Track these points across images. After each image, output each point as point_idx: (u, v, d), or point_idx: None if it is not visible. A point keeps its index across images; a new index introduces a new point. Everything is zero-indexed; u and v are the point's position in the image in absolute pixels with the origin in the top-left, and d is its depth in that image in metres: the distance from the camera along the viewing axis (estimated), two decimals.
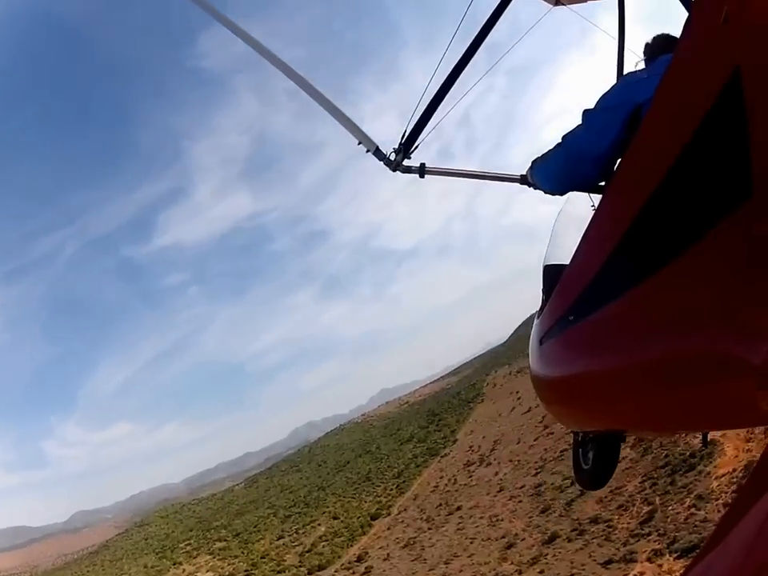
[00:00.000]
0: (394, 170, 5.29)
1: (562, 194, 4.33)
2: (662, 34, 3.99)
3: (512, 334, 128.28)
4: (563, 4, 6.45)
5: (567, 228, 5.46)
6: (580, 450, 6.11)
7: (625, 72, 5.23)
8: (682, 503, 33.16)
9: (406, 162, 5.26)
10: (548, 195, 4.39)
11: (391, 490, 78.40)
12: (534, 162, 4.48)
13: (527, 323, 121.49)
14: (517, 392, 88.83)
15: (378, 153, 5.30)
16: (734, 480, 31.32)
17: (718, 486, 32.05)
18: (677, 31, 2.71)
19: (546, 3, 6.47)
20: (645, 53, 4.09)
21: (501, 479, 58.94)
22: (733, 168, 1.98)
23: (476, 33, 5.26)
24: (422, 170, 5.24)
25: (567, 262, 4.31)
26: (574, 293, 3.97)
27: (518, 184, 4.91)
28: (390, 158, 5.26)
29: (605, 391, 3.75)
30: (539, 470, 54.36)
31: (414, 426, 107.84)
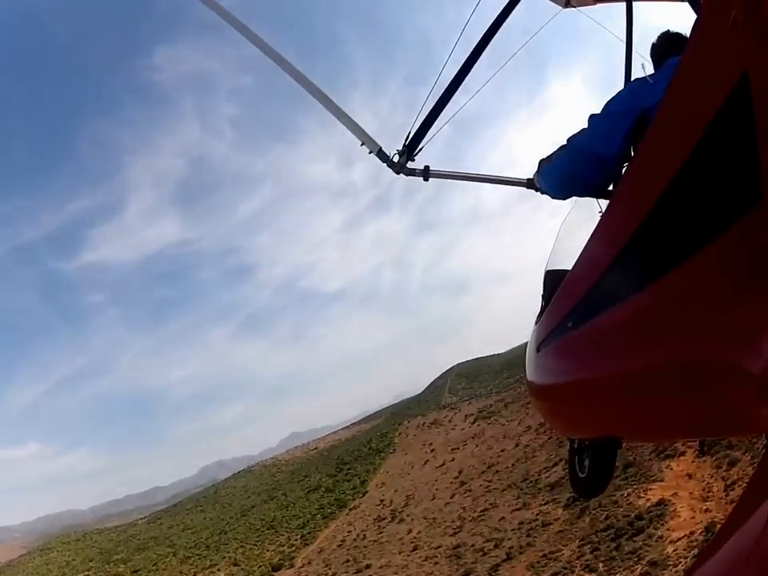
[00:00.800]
0: (398, 173, 5.32)
1: (565, 198, 4.34)
2: (667, 32, 4.00)
3: (428, 386, 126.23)
4: (573, 6, 6.48)
5: (571, 234, 5.43)
6: (576, 457, 6.16)
7: (633, 77, 4.95)
8: (631, 570, 30.39)
9: (409, 165, 5.30)
10: (555, 200, 4.40)
11: (295, 540, 74.28)
12: (539, 164, 4.44)
13: (443, 376, 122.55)
14: (430, 444, 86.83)
15: (381, 154, 5.31)
16: (694, 544, 28.47)
17: (675, 551, 29.29)
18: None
19: (555, 5, 6.50)
20: (651, 54, 4.11)
21: (415, 537, 55.47)
22: (741, 173, 1.94)
23: (483, 33, 5.24)
24: (426, 173, 5.35)
25: (569, 268, 4.31)
26: (574, 299, 3.95)
27: (525, 188, 5.17)
28: (394, 159, 5.27)
29: (603, 398, 3.80)
30: (457, 530, 51.31)
31: (323, 474, 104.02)
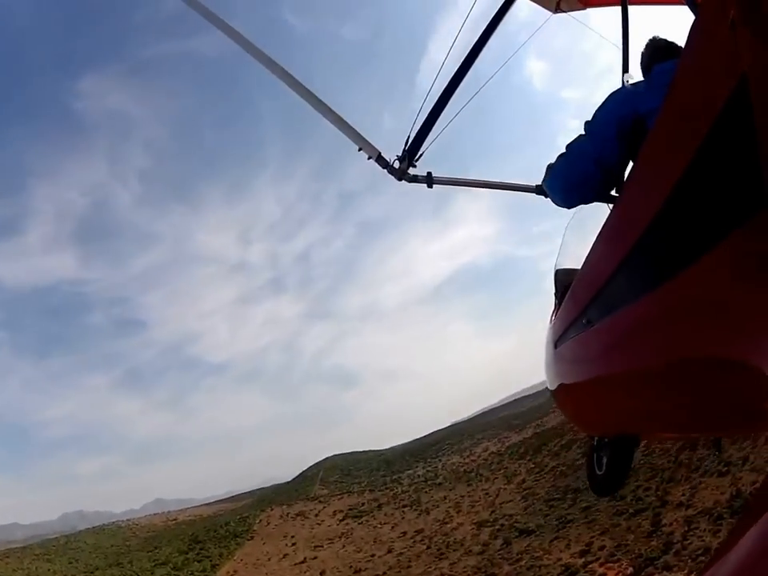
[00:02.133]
0: (400, 179, 5.16)
1: (569, 206, 4.25)
2: (654, 39, 3.93)
3: (299, 474, 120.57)
4: (563, 11, 6.52)
5: (578, 231, 5.52)
6: (595, 455, 6.15)
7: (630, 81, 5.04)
8: None
9: (411, 171, 5.15)
10: (563, 209, 4.31)
11: None
12: (546, 170, 4.30)
13: (317, 466, 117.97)
14: (292, 536, 79.76)
15: (380, 160, 5.13)
16: None
17: None
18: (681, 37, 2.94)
19: (546, 10, 6.54)
20: (641, 62, 4.02)
21: None
22: (743, 175, 1.98)
23: (479, 34, 5.13)
24: (429, 180, 5.19)
25: (579, 267, 4.33)
26: (589, 296, 3.93)
27: (534, 194, 5.24)
28: (394, 165, 5.10)
29: (620, 394, 3.87)
30: None
31: (174, 549, 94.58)
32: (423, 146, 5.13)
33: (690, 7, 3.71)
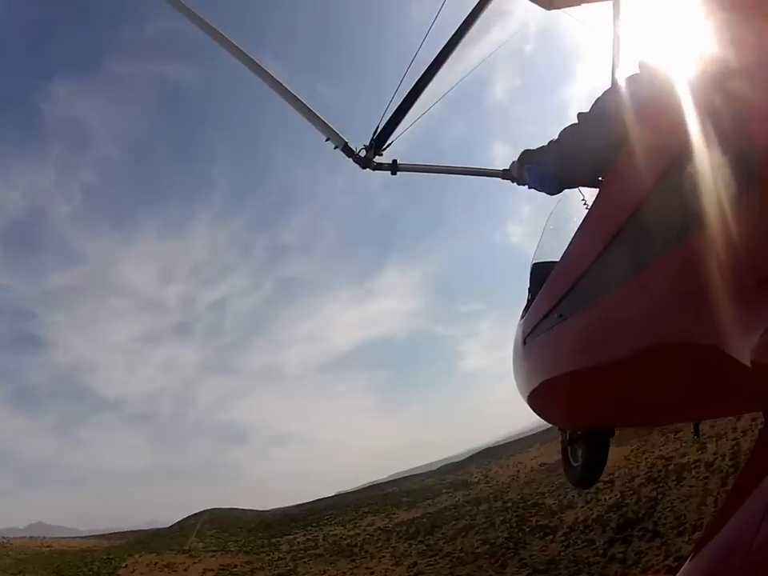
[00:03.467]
0: (365, 167, 5.09)
1: (555, 192, 4.33)
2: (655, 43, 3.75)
3: (177, 522, 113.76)
4: (557, 7, 6.28)
5: (558, 227, 5.44)
6: (569, 447, 6.11)
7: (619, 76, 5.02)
8: None
9: (377, 160, 5.06)
10: (541, 193, 4.35)
11: None
12: (524, 157, 4.41)
13: (196, 517, 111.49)
14: None
15: (346, 149, 5.07)
16: None
17: None
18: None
19: (539, 7, 6.29)
20: (639, 61, 3.66)
21: None
22: (730, 165, 1.98)
23: (455, 29, 5.05)
24: (394, 167, 5.11)
25: (555, 260, 4.32)
26: (562, 290, 3.93)
27: (500, 179, 5.00)
28: (360, 154, 5.03)
29: (592, 387, 3.80)
30: None
31: None
32: (392, 135, 5.04)
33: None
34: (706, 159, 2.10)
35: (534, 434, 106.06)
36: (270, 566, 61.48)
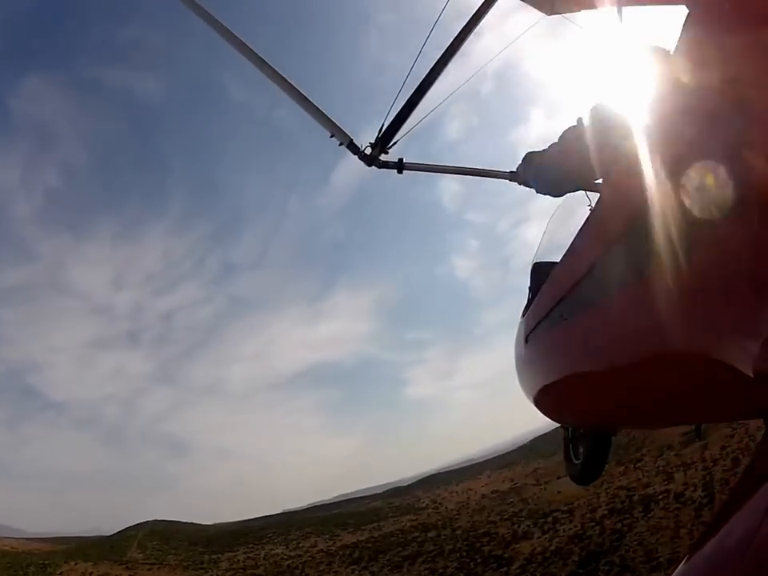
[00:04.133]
0: (370, 165, 5.10)
1: (555, 195, 4.37)
2: (651, 46, 3.77)
3: (119, 531, 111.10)
4: (558, 13, 6.34)
5: (560, 227, 5.55)
6: (571, 444, 6.30)
7: None
8: None
9: (382, 158, 5.07)
10: (543, 195, 4.40)
11: None
12: (527, 159, 4.41)
13: (137, 528, 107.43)
14: None
15: (351, 146, 5.08)
16: None
17: None
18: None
19: (539, 12, 6.34)
20: (634, 65, 3.96)
21: None
22: (730, 169, 1.94)
23: (460, 29, 5.03)
24: (400, 166, 5.15)
25: (557, 261, 4.39)
26: (563, 290, 3.95)
27: (507, 180, 5.09)
28: (366, 152, 5.03)
29: (594, 388, 3.86)
30: None
31: None
32: (398, 134, 5.00)
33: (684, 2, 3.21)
34: (707, 161, 2.03)
35: (483, 461, 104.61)
36: None
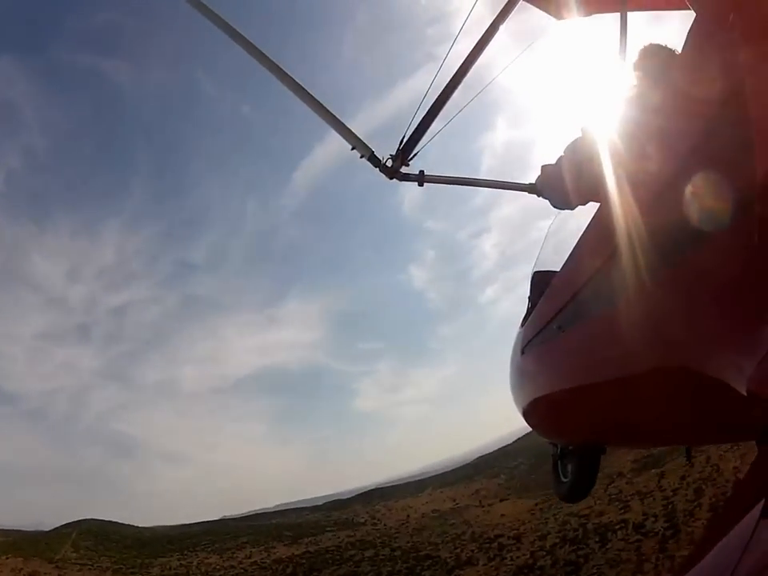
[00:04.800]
0: (391, 178, 4.99)
1: (569, 207, 4.27)
2: (654, 45, 3.92)
3: (55, 528, 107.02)
4: (567, 18, 6.28)
5: (559, 236, 5.49)
6: (559, 462, 5.98)
7: None
8: None
9: (403, 170, 4.96)
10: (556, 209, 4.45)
11: None
12: (541, 171, 4.40)
13: (73, 525, 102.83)
14: None
15: (372, 159, 4.93)
16: None
17: None
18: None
19: (550, 17, 6.31)
20: (636, 66, 3.90)
21: None
22: (735, 175, 1.93)
23: (479, 36, 4.88)
24: (421, 178, 5.01)
25: (557, 269, 4.29)
26: (561, 302, 3.89)
27: (527, 193, 4.83)
28: (387, 164, 4.91)
29: (588, 404, 3.70)
30: None
31: None
32: (418, 145, 4.86)
33: (691, 5, 3.02)
34: (708, 172, 2.01)
35: (425, 478, 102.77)
36: None
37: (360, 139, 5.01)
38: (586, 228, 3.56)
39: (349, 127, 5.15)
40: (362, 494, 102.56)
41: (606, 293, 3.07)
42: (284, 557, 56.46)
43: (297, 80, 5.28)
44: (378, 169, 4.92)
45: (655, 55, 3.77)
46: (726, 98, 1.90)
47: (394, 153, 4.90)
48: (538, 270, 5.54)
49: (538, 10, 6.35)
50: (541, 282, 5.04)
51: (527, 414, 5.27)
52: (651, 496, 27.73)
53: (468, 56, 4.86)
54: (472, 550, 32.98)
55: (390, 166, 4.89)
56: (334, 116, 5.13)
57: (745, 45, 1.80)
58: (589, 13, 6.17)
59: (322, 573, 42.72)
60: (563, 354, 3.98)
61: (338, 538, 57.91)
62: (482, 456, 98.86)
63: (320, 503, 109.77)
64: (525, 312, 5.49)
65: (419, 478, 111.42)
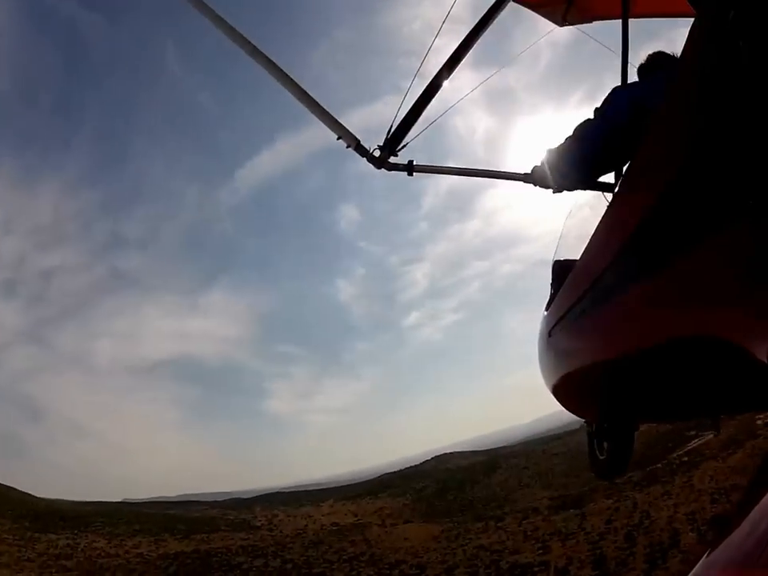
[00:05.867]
0: (379, 168, 4.88)
1: (569, 188, 4.24)
2: (658, 52, 4.04)
3: None
4: (569, 24, 6.33)
5: (577, 225, 5.54)
6: (594, 440, 6.07)
7: None
8: None
9: (392, 160, 4.88)
10: (556, 194, 4.29)
11: None
12: (544, 153, 4.27)
13: None
14: None
15: (359, 149, 4.83)
16: None
17: None
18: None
19: (551, 23, 6.33)
20: (639, 72, 4.18)
21: None
22: (740, 168, 1.95)
23: (472, 26, 4.95)
24: (410, 168, 4.90)
25: (576, 258, 4.31)
26: (584, 286, 3.91)
27: (522, 182, 4.71)
28: (375, 154, 4.83)
29: (616, 380, 3.77)
30: None
31: None
32: (407, 136, 4.81)
33: (691, 3, 3.10)
34: (726, 155, 2.00)
35: (328, 488, 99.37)
36: (16, 564, 50.49)
37: (346, 128, 4.87)
38: (603, 216, 3.50)
39: (335, 116, 4.96)
40: (264, 495, 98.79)
41: (626, 276, 3.00)
42: (171, 552, 51.51)
43: (280, 66, 5.03)
44: (365, 158, 4.80)
45: (659, 60, 3.93)
46: (727, 99, 1.90)
47: (381, 143, 4.78)
48: (557, 259, 5.56)
49: (538, 15, 6.28)
50: (561, 269, 5.07)
51: (559, 394, 5.26)
52: (573, 538, 25.02)
53: (459, 45, 4.82)
54: (369, 575, 29.54)
55: (377, 156, 4.78)
56: (319, 105, 4.96)
57: (744, 46, 1.77)
58: (590, 19, 6.24)
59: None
60: (590, 333, 3.94)
61: (231, 539, 53.72)
62: (387, 473, 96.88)
63: (221, 499, 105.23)
64: (548, 298, 5.50)
65: (323, 487, 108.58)
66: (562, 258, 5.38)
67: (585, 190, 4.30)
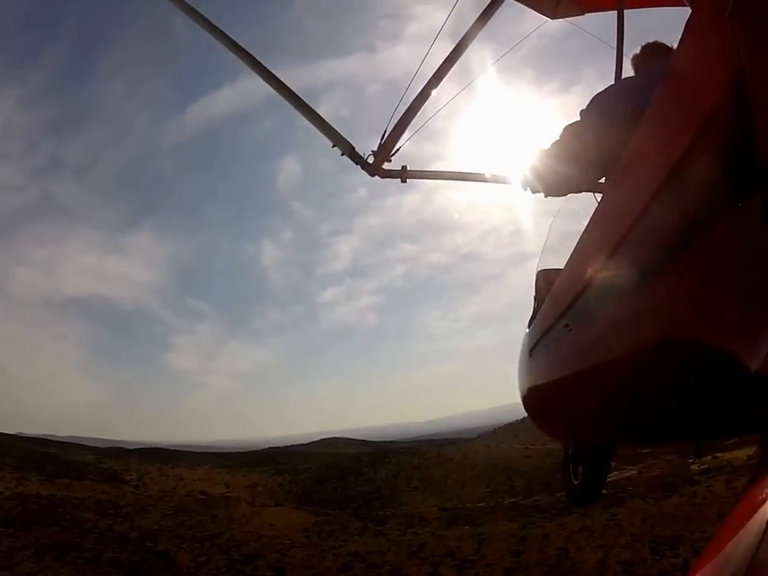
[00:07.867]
0: (373, 175, 4.77)
1: (558, 194, 3.81)
2: (653, 43, 3.66)
3: None
4: (561, 17, 5.93)
5: (562, 232, 5.14)
6: (570, 464, 5.55)
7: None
8: None
9: (385, 166, 4.78)
10: (547, 198, 3.86)
11: None
12: (532, 158, 3.86)
13: None
14: None
15: (354, 156, 4.77)
16: None
17: None
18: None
19: (542, 16, 5.93)
20: (634, 62, 3.70)
21: None
22: (736, 167, 1.81)
23: (462, 35, 4.70)
24: (403, 174, 4.81)
25: (561, 267, 3.97)
26: (567, 300, 3.50)
27: (514, 187, 4.48)
28: (368, 161, 4.74)
29: (597, 402, 3.40)
30: None
31: None
32: (399, 141, 4.73)
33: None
34: (714, 159, 1.89)
35: (210, 453, 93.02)
36: None
37: (341, 136, 4.76)
38: (588, 223, 3.17)
39: (330, 124, 4.82)
40: (144, 449, 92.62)
41: (613, 288, 2.72)
42: (25, 493, 44.36)
43: (277, 75, 4.95)
44: (359, 166, 4.66)
45: (654, 50, 3.55)
46: (722, 92, 1.77)
47: (375, 149, 4.67)
48: (542, 269, 4.98)
49: (529, 10, 5.95)
50: (545, 281, 4.59)
51: (537, 417, 4.80)
52: (471, 567, 20.25)
53: (451, 52, 4.60)
54: (217, 567, 23.69)
55: (371, 163, 4.66)
56: (315, 112, 4.86)
57: (741, 38, 1.65)
58: (584, 11, 5.88)
59: (36, 529, 31.93)
60: (572, 353, 3.47)
61: (93, 490, 46.91)
62: (273, 447, 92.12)
63: (104, 446, 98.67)
64: (531, 313, 4.95)
65: (205, 451, 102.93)
66: (546, 268, 4.80)
67: (575, 193, 3.76)
